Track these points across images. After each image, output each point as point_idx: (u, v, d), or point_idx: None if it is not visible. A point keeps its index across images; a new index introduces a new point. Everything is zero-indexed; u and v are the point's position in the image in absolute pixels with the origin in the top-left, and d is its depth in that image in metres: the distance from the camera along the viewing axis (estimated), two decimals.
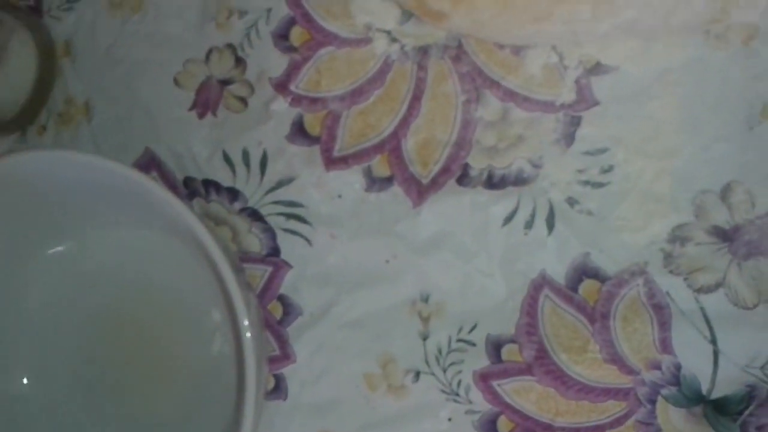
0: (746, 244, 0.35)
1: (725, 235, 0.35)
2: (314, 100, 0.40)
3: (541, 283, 0.37)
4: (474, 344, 0.38)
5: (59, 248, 0.40)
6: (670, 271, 0.36)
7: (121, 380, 0.40)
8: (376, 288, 0.39)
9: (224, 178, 0.41)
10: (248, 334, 0.32)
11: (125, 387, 0.40)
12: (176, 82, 0.43)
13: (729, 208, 0.35)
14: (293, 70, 0.41)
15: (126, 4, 0.44)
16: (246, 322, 0.32)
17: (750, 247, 0.35)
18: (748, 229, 0.35)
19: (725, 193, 0.36)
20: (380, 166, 0.39)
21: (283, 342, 0.40)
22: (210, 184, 0.41)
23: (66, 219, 0.39)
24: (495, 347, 0.37)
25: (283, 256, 0.40)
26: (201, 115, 0.42)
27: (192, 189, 0.41)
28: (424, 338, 0.38)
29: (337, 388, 0.39)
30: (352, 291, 0.39)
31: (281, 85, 0.41)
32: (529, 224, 0.38)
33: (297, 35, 0.41)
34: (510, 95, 0.38)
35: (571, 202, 0.37)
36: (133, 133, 0.43)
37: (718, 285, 0.35)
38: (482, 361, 0.37)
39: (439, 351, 0.38)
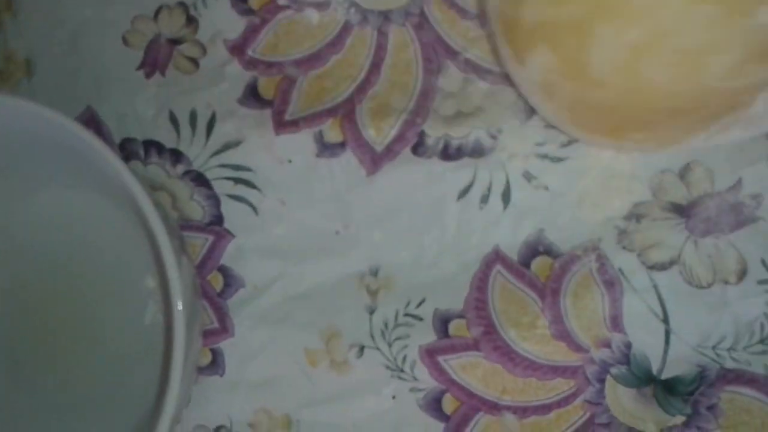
0: (704, 221, 0.34)
1: (682, 211, 0.35)
2: (270, 64, 0.39)
3: (494, 258, 0.36)
4: (421, 319, 0.36)
5: None
6: (624, 247, 0.35)
7: (49, 349, 0.38)
8: (324, 260, 0.37)
9: (168, 139, 0.39)
10: (178, 301, 0.30)
11: (53, 357, 0.38)
12: (125, 40, 0.41)
13: (687, 186, 0.35)
14: (251, 33, 0.39)
15: None
16: (177, 287, 0.30)
17: (708, 224, 0.34)
18: (707, 205, 0.35)
19: (684, 172, 0.35)
20: (332, 130, 0.38)
21: (222, 315, 0.38)
22: (151, 145, 0.39)
23: None
24: (442, 322, 0.36)
25: (227, 224, 0.38)
26: (148, 75, 0.40)
27: (130, 151, 0.39)
28: (371, 312, 0.37)
29: (277, 364, 0.37)
30: (299, 263, 0.37)
31: (237, 48, 0.39)
32: (484, 198, 0.36)
33: None
34: (472, 67, 0.37)
35: (528, 176, 0.36)
36: (75, 92, 0.41)
37: (672, 262, 0.35)
38: (429, 337, 0.36)
39: (386, 325, 0.36)
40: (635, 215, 0.35)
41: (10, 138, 0.33)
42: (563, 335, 0.35)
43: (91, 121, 0.40)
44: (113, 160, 0.31)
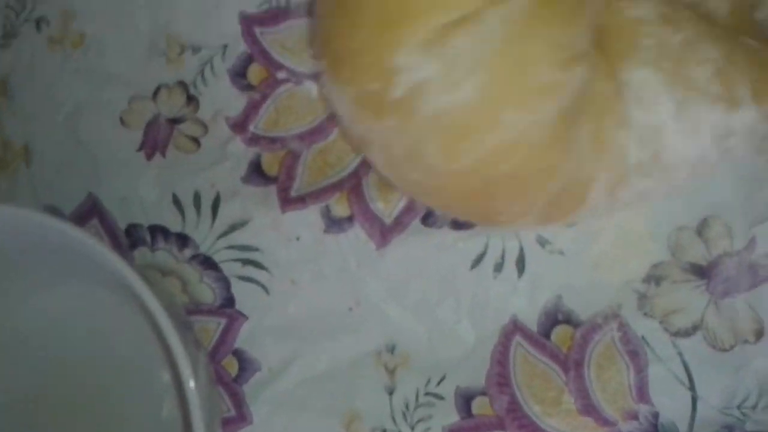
0: (724, 281, 0.34)
1: (702, 272, 0.34)
2: (273, 140, 0.38)
3: (512, 329, 0.35)
4: (443, 398, 0.35)
5: None
6: (645, 314, 0.34)
7: None
8: (339, 339, 0.37)
9: (173, 223, 0.39)
10: (195, 398, 0.29)
11: None
12: (122, 121, 0.40)
13: (706, 243, 0.34)
14: (252, 109, 0.39)
15: (66, 39, 0.41)
16: (191, 385, 0.29)
17: (728, 285, 0.34)
18: (727, 264, 0.34)
19: (702, 228, 0.34)
20: (339, 204, 0.37)
21: (238, 401, 0.37)
22: (157, 230, 0.39)
23: None
24: (465, 400, 0.35)
25: (238, 306, 0.38)
26: (149, 156, 0.40)
27: (136, 237, 0.39)
28: (390, 392, 0.36)
29: None
30: (314, 343, 0.37)
31: (239, 125, 0.39)
32: (498, 267, 0.36)
33: (255, 73, 0.39)
34: None
35: (542, 241, 0.36)
36: (75, 178, 0.40)
37: (695, 327, 0.34)
38: (452, 416, 0.35)
39: (407, 406, 0.36)
40: (654, 277, 0.34)
41: (11, 245, 0.33)
42: (589, 410, 0.34)
43: (94, 208, 0.39)
44: (112, 258, 0.31)
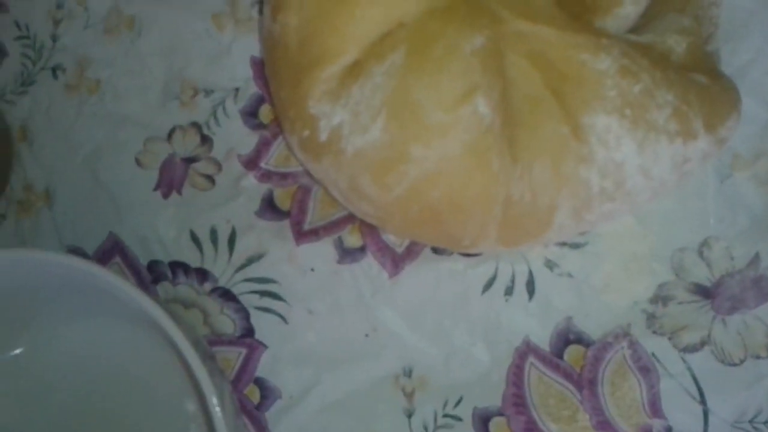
0: (729, 299, 0.35)
1: (707, 292, 0.35)
2: (284, 176, 0.40)
3: (525, 350, 0.36)
4: (461, 419, 0.36)
5: (17, 350, 0.38)
6: (654, 332, 0.35)
7: None
8: (357, 364, 0.38)
9: (192, 258, 0.40)
10: (222, 427, 0.30)
11: None
12: (138, 162, 0.42)
13: (708, 264, 0.35)
14: (263, 146, 0.40)
15: (83, 86, 0.43)
16: (219, 414, 0.30)
17: (734, 302, 0.35)
18: (730, 284, 0.35)
19: (702, 249, 0.36)
20: (351, 235, 0.38)
21: (261, 428, 0.38)
22: (177, 266, 0.40)
23: (25, 317, 0.37)
24: (482, 421, 0.36)
25: (258, 336, 0.39)
26: (166, 195, 0.41)
27: (158, 273, 0.40)
28: (409, 415, 0.37)
29: None
30: (333, 369, 0.38)
31: (251, 162, 0.40)
32: (509, 290, 0.37)
33: (266, 113, 0.40)
34: None
35: (551, 265, 0.37)
36: (96, 218, 0.42)
37: (703, 343, 0.35)
38: None
39: (425, 428, 0.37)
40: (661, 298, 0.36)
41: (39, 285, 0.34)
42: (605, 426, 0.35)
43: (116, 247, 0.41)
44: (136, 294, 0.32)
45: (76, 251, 0.41)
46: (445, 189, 0.31)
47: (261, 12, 0.41)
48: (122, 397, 0.38)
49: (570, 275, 0.37)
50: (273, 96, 0.37)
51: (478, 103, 0.30)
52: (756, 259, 0.35)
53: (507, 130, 0.31)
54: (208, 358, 0.32)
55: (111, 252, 0.41)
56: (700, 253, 0.36)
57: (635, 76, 0.30)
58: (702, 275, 0.35)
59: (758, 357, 0.34)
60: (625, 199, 0.32)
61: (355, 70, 0.32)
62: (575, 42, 0.31)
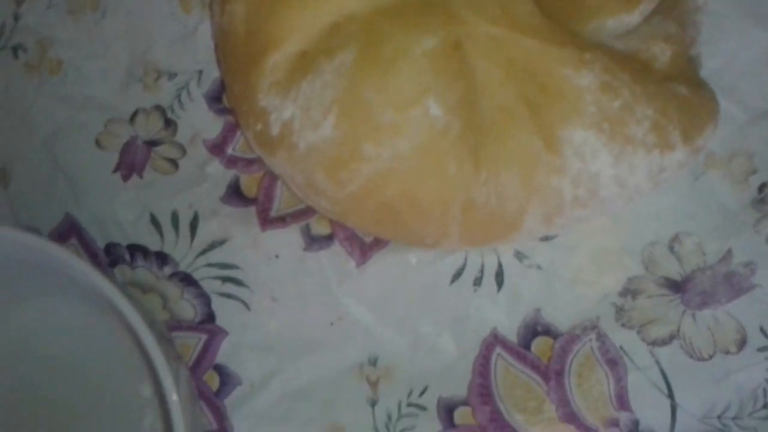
0: (699, 294, 0.35)
1: (677, 287, 0.35)
2: (250, 162, 0.39)
3: (492, 341, 0.36)
4: (425, 408, 0.36)
5: None
6: (623, 325, 0.35)
7: None
8: (320, 353, 0.37)
9: (151, 242, 0.39)
10: (177, 412, 0.29)
11: None
12: (98, 143, 0.40)
13: (679, 259, 0.35)
14: (228, 132, 0.39)
15: (43, 66, 0.42)
16: (174, 398, 0.29)
17: (704, 297, 0.35)
18: (701, 279, 0.35)
19: (673, 243, 0.35)
20: (319, 223, 0.38)
21: (220, 415, 0.37)
22: (136, 250, 0.38)
23: None
24: (447, 411, 0.35)
25: (219, 322, 0.37)
26: (126, 178, 0.40)
27: (115, 256, 0.39)
28: (373, 404, 0.36)
29: None
30: (295, 357, 0.37)
31: (217, 147, 0.39)
32: (478, 281, 0.36)
33: None
34: None
35: (520, 257, 0.36)
36: (52, 199, 0.40)
37: (672, 337, 0.35)
38: (434, 426, 0.35)
39: (389, 417, 0.36)
40: (630, 291, 0.35)
41: None
42: (571, 418, 0.34)
43: (72, 228, 0.39)
44: (93, 274, 0.31)
45: (32, 231, 0.39)
46: (398, 188, 0.31)
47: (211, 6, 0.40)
48: (73, 381, 0.36)
49: (539, 267, 0.36)
50: (227, 91, 0.36)
51: (429, 105, 0.30)
52: (728, 255, 0.35)
53: (471, 137, 0.30)
54: (164, 341, 0.31)
55: (67, 233, 0.39)
56: (671, 248, 0.35)
57: (616, 92, 0.30)
58: (672, 270, 0.35)
59: (728, 352, 0.34)
60: (598, 206, 0.32)
61: (303, 64, 0.31)
62: (559, 56, 0.30)
